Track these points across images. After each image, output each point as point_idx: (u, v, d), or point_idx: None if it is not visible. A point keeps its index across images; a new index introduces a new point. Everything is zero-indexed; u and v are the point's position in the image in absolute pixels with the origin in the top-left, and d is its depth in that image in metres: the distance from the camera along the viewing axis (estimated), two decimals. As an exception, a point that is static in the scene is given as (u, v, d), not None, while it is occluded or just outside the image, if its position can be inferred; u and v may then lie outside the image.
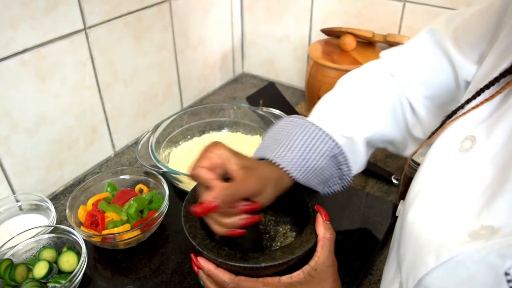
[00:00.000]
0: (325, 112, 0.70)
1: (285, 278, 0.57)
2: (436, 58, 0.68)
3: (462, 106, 0.52)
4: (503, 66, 0.50)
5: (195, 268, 0.61)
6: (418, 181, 0.55)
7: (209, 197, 0.52)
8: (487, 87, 0.49)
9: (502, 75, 0.48)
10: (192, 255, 0.61)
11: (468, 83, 0.64)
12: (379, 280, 0.81)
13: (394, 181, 1.04)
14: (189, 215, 0.64)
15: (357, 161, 0.70)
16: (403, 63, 0.72)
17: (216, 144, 0.58)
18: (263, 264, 0.56)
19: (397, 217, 0.68)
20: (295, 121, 0.67)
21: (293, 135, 0.64)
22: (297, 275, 0.57)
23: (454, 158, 0.51)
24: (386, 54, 0.76)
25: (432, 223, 0.49)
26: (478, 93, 0.50)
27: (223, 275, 0.57)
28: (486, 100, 0.49)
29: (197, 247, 0.59)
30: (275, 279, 0.57)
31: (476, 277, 0.42)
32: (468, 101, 0.51)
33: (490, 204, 0.44)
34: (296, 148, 0.63)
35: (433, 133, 0.57)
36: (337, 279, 0.60)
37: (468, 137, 0.50)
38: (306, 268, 0.57)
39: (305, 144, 0.63)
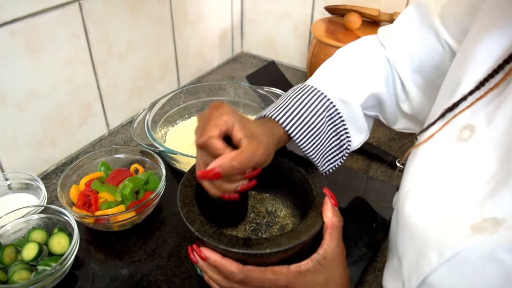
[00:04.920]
0: (322, 77, 0.71)
1: (293, 267, 0.54)
2: (422, 33, 0.69)
3: (464, 98, 0.49)
4: (500, 50, 0.48)
5: (194, 258, 0.58)
6: (412, 172, 0.54)
7: (216, 165, 0.52)
8: (491, 76, 0.47)
9: (506, 61, 0.46)
10: (195, 246, 0.57)
11: (451, 59, 0.65)
12: (384, 267, 0.78)
13: (399, 165, 1.01)
14: (186, 200, 0.61)
15: (358, 127, 0.69)
16: (393, 38, 0.73)
17: (221, 106, 0.56)
18: (267, 250, 0.53)
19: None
20: (294, 87, 0.68)
21: (290, 95, 0.65)
22: (306, 264, 0.54)
23: (453, 149, 0.50)
24: (381, 30, 0.76)
25: (431, 217, 0.48)
26: (482, 83, 0.48)
27: (231, 265, 0.54)
28: (491, 89, 0.47)
29: (196, 233, 0.56)
30: (284, 268, 0.54)
31: (482, 273, 0.41)
32: (471, 92, 0.49)
33: (494, 195, 0.43)
34: (292, 105, 0.63)
35: (432, 124, 0.54)
36: (346, 266, 0.58)
37: (467, 126, 0.49)
38: (315, 256, 0.55)
39: (302, 102, 0.64)
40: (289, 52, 1.50)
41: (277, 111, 0.62)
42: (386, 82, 0.73)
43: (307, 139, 0.63)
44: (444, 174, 0.49)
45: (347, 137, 0.67)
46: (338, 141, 0.67)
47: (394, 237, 0.55)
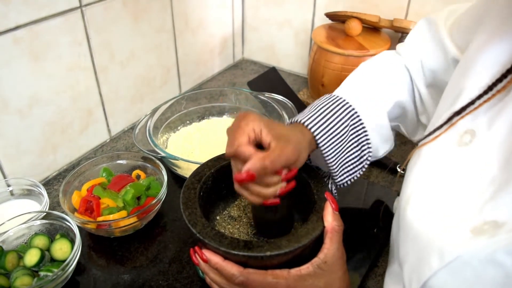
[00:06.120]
0: (346, 87, 0.72)
1: (294, 271, 0.55)
2: (433, 49, 0.70)
3: (472, 102, 0.50)
4: (506, 56, 0.49)
5: (196, 260, 0.58)
6: (413, 177, 0.54)
7: (248, 167, 0.53)
8: (499, 80, 0.47)
9: None
10: (197, 248, 0.58)
11: None
12: (385, 272, 0.78)
13: (400, 171, 1.01)
14: (188, 202, 0.61)
15: (383, 135, 0.71)
16: (408, 53, 0.74)
17: (247, 115, 0.57)
18: (268, 253, 0.53)
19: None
20: (320, 97, 0.69)
21: (316, 103, 0.67)
22: (306, 268, 0.55)
23: (453, 153, 0.50)
24: (399, 46, 0.78)
25: (432, 221, 0.48)
26: (490, 88, 0.48)
27: (232, 268, 0.55)
28: (498, 91, 0.47)
29: (197, 235, 0.56)
30: (284, 272, 0.54)
31: (483, 277, 0.41)
32: (479, 97, 0.49)
33: (494, 198, 0.43)
34: (318, 111, 0.65)
35: (438, 128, 0.54)
36: (346, 271, 0.59)
37: (468, 131, 0.49)
38: (315, 260, 0.55)
39: (328, 109, 0.65)
40: (290, 59, 1.50)
41: (305, 117, 0.64)
42: (409, 90, 0.74)
43: (330, 145, 0.63)
44: (445, 179, 0.50)
45: (368, 147, 0.68)
46: (359, 151, 0.67)
47: (396, 241, 0.55)
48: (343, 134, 0.64)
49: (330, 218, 0.58)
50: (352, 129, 0.66)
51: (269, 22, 1.47)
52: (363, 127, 0.66)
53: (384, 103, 0.71)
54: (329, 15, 1.28)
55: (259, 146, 0.56)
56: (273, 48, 1.52)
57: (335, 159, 0.65)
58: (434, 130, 0.55)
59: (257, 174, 0.53)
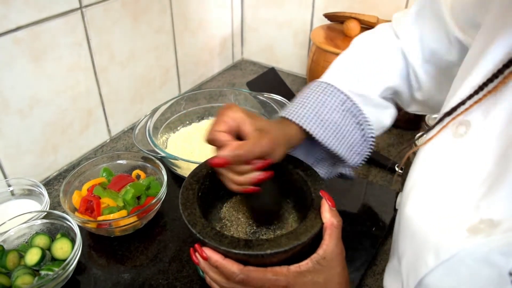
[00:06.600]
0: (336, 72, 0.73)
1: (293, 267, 0.55)
2: (433, 25, 0.68)
3: (463, 102, 0.49)
4: (501, 55, 0.47)
5: (196, 259, 0.59)
6: (414, 172, 0.54)
7: (224, 153, 0.55)
8: (490, 80, 0.46)
9: (506, 65, 0.45)
10: (197, 246, 0.58)
11: (462, 54, 0.64)
12: (384, 270, 0.79)
13: (398, 170, 1.01)
14: (187, 203, 0.61)
15: (380, 108, 0.72)
16: (406, 28, 0.73)
17: (230, 107, 0.59)
18: (268, 251, 0.54)
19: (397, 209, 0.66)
20: (308, 85, 0.71)
21: (305, 94, 0.68)
22: (306, 264, 0.55)
23: (450, 145, 0.49)
24: (396, 18, 0.76)
25: (429, 218, 0.47)
26: (481, 88, 0.47)
27: (232, 266, 0.55)
28: (489, 92, 0.46)
29: (197, 235, 0.56)
30: (284, 269, 0.55)
31: (478, 275, 0.41)
32: (470, 97, 0.48)
33: (490, 194, 0.42)
34: (307, 103, 0.66)
35: (431, 128, 0.54)
36: (345, 266, 0.59)
37: (463, 122, 0.48)
38: (314, 256, 0.55)
39: (316, 100, 0.67)
40: (289, 59, 1.51)
41: (292, 111, 0.65)
42: (401, 74, 0.74)
43: (329, 136, 0.66)
44: (442, 173, 0.49)
45: (368, 124, 0.69)
46: (359, 130, 0.69)
47: (396, 238, 0.55)
48: (341, 122, 0.66)
49: (328, 214, 0.58)
50: (349, 113, 0.67)
51: (268, 23, 1.48)
52: (358, 109, 0.68)
53: (374, 88, 0.71)
54: (327, 16, 1.29)
55: (240, 138, 0.58)
56: (272, 48, 1.53)
57: (340, 145, 0.67)
58: (428, 130, 0.54)
59: (231, 161, 0.56)
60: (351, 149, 0.69)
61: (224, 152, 0.55)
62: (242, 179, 0.59)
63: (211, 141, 0.58)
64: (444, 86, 0.61)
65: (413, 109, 0.79)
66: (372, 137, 0.70)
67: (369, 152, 0.71)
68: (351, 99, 0.67)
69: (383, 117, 0.73)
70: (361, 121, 0.68)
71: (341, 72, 0.72)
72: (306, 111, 0.65)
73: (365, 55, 0.74)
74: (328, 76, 0.72)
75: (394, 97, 0.78)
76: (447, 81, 0.60)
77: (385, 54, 0.73)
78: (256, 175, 0.59)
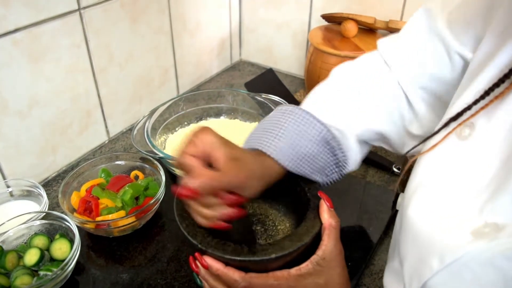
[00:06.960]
0: (315, 101, 0.68)
1: (294, 271, 0.54)
2: (430, 45, 0.63)
3: (469, 108, 0.48)
4: (507, 58, 0.47)
5: (196, 267, 0.57)
6: (417, 173, 0.53)
7: (190, 183, 0.50)
8: (497, 85, 0.45)
9: None
10: (197, 254, 0.57)
11: (463, 72, 0.60)
12: (381, 270, 0.80)
13: (395, 170, 1.02)
14: (184, 213, 0.59)
15: (351, 156, 0.67)
16: (398, 52, 0.67)
17: (204, 130, 0.55)
18: (273, 256, 0.53)
19: (397, 210, 0.66)
20: (284, 110, 0.64)
21: (282, 123, 0.62)
22: (306, 266, 0.54)
23: (454, 147, 0.49)
24: (383, 43, 0.70)
25: (433, 220, 0.47)
26: (487, 93, 0.46)
27: (234, 274, 0.54)
28: (496, 97, 0.45)
29: (199, 246, 0.55)
30: (285, 273, 0.54)
31: (482, 279, 0.41)
32: (476, 102, 0.47)
33: (494, 198, 0.42)
34: (284, 135, 0.61)
35: (435, 133, 0.53)
36: (345, 267, 0.58)
37: (467, 124, 0.48)
38: (314, 258, 0.55)
39: (294, 131, 0.61)
40: (287, 60, 1.51)
41: (268, 144, 0.60)
42: (388, 107, 0.67)
43: (303, 167, 0.61)
44: (447, 176, 0.48)
45: (343, 154, 0.65)
46: (335, 160, 0.65)
47: (397, 239, 0.54)
48: (315, 153, 0.62)
49: (326, 215, 0.58)
50: (325, 145, 0.63)
51: (266, 24, 1.48)
52: (337, 141, 0.63)
53: (353, 127, 0.66)
54: (325, 17, 1.29)
55: (211, 165, 0.54)
56: (270, 49, 1.53)
57: (312, 173, 0.63)
58: (433, 135, 0.53)
59: (201, 193, 0.51)
60: (326, 176, 0.65)
61: (189, 180, 0.51)
62: (209, 213, 0.54)
63: (179, 164, 0.53)
64: (441, 114, 0.56)
65: (408, 148, 0.70)
66: (345, 168, 0.66)
67: (339, 178, 0.67)
68: (330, 130, 0.62)
69: (362, 148, 0.69)
70: (339, 156, 0.64)
71: (320, 103, 0.67)
72: (283, 144, 0.60)
73: (345, 88, 0.69)
74: (306, 105, 0.67)
75: (381, 142, 0.71)
76: (444, 108, 0.57)
77: (367, 88, 0.68)
78: (227, 212, 0.54)
